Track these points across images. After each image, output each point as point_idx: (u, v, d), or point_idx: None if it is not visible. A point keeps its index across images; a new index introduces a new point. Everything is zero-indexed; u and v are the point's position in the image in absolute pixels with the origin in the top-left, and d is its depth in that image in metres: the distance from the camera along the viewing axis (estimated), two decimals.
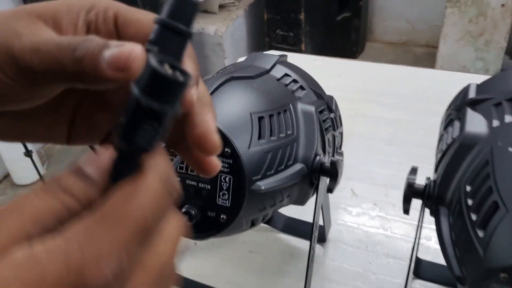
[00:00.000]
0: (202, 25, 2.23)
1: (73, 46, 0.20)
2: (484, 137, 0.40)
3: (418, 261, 0.52)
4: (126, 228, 0.17)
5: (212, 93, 0.41)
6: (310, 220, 0.48)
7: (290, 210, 0.58)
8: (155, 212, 0.18)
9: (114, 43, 0.20)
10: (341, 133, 0.56)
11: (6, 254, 0.16)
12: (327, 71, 0.94)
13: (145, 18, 0.23)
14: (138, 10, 0.24)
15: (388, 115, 0.80)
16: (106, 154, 0.19)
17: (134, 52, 0.19)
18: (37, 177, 1.64)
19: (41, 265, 0.16)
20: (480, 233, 0.35)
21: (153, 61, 0.16)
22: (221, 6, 2.34)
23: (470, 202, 0.37)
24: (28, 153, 1.41)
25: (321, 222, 0.56)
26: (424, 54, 2.49)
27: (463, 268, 0.36)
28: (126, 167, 0.18)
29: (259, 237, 0.59)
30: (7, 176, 2.04)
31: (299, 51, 2.26)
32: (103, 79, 0.20)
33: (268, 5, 2.29)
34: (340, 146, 0.57)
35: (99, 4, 0.24)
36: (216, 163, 0.24)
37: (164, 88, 0.16)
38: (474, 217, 0.36)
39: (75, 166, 0.19)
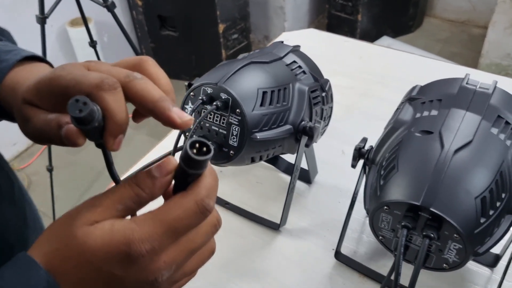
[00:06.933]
0: None
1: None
2: (407, 123, 0.60)
3: None
4: (161, 228, 0.29)
5: (235, 72, 0.63)
6: (305, 168, 0.70)
7: (291, 158, 0.81)
8: (184, 224, 0.29)
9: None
10: (331, 107, 0.77)
11: (103, 222, 0.29)
12: (352, 52, 1.12)
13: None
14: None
15: (391, 97, 0.98)
16: (169, 164, 0.31)
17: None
18: None
19: (113, 233, 0.29)
20: (381, 182, 0.55)
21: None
22: None
23: (384, 163, 0.58)
24: None
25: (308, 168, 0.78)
26: (480, 36, 2.54)
27: (370, 203, 0.58)
28: (183, 182, 0.31)
29: (265, 173, 0.83)
30: None
31: (355, 20, 2.39)
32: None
33: None
34: (330, 116, 0.78)
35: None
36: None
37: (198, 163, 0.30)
38: (382, 172, 0.57)
39: (148, 168, 0.31)
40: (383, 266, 0.66)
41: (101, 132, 0.31)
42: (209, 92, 0.62)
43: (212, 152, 0.31)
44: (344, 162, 0.84)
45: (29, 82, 0.36)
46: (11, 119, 0.46)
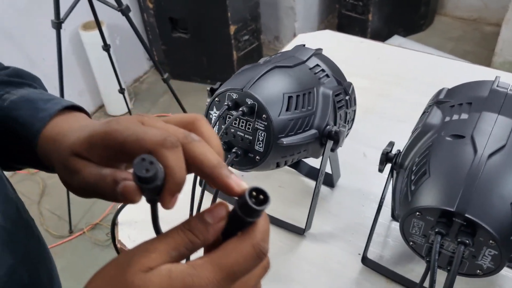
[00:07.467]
0: None
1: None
2: (436, 127, 0.59)
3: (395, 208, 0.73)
4: (221, 273, 0.28)
5: (260, 78, 0.63)
6: (328, 171, 0.70)
7: (312, 162, 0.80)
8: (242, 268, 0.29)
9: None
10: (354, 111, 0.76)
11: (159, 268, 0.28)
12: (369, 53, 1.12)
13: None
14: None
15: (408, 98, 0.97)
16: (222, 210, 0.31)
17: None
18: (126, 110, 1.96)
19: (172, 280, 0.28)
20: (413, 187, 0.55)
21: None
22: None
23: (414, 168, 0.57)
24: (121, 91, 1.71)
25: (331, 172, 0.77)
26: (492, 34, 2.51)
27: (400, 208, 0.57)
28: (235, 227, 0.31)
29: (287, 177, 0.82)
30: (102, 106, 2.40)
31: (366, 20, 2.37)
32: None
33: None
34: (353, 119, 0.77)
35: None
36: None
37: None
38: (413, 177, 0.56)
39: (200, 213, 0.31)
40: (411, 271, 0.65)
41: (159, 190, 0.31)
42: (234, 97, 0.62)
43: (270, 199, 0.30)
44: (366, 165, 0.83)
45: (77, 133, 0.36)
46: (45, 168, 0.45)
